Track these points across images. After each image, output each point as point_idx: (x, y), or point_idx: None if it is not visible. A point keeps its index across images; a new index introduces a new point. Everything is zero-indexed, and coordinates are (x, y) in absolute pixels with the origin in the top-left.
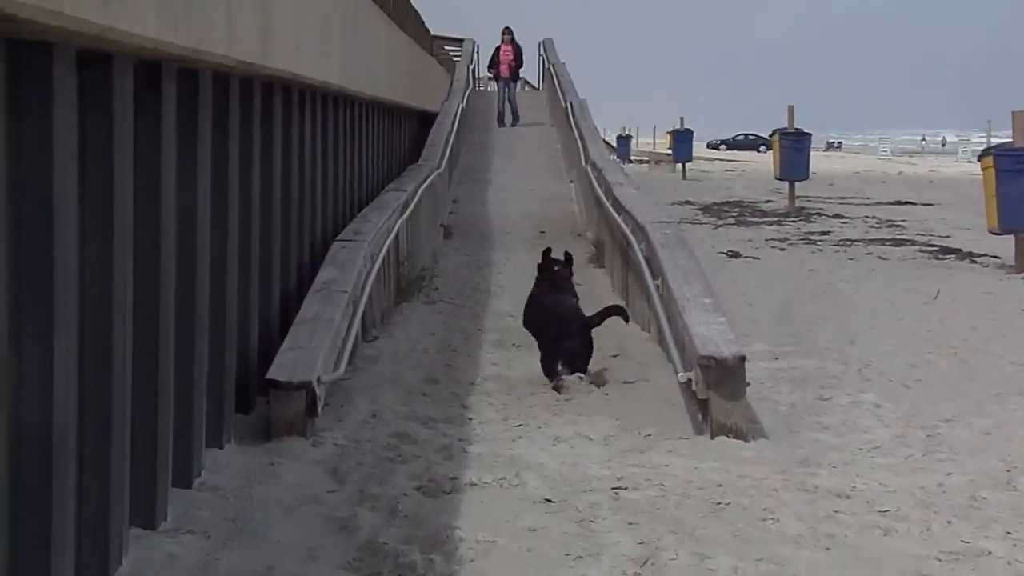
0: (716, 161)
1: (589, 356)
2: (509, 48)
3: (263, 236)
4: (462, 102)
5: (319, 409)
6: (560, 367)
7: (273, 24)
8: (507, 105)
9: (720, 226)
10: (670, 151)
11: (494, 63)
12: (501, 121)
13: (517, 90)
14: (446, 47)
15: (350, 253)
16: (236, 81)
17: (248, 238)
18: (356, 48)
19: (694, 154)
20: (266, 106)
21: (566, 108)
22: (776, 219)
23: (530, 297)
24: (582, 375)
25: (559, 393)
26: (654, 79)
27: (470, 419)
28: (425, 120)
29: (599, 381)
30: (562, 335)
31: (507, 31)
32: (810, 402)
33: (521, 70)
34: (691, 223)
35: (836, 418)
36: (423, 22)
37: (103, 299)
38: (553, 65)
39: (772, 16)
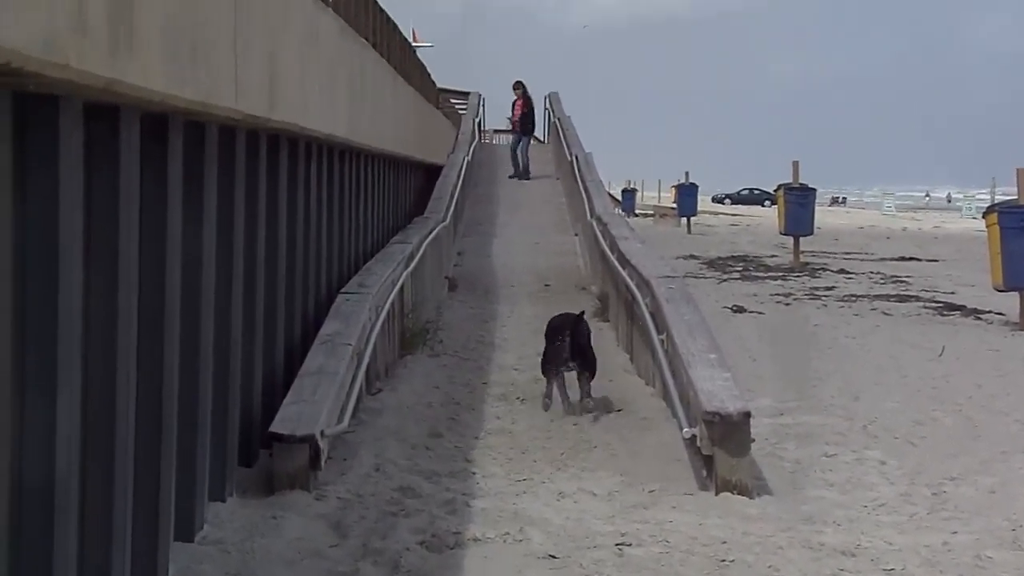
0: (721, 215)
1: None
2: (520, 102)
3: (268, 288)
4: (467, 155)
5: (322, 462)
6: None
7: (280, 77)
8: (517, 157)
9: (725, 280)
10: (675, 205)
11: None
12: (515, 172)
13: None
14: (452, 100)
15: (355, 306)
16: (243, 134)
17: (253, 290)
18: (363, 101)
19: (699, 208)
20: (272, 158)
21: (571, 162)
22: (781, 274)
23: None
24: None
25: (546, 411)
26: (659, 133)
27: (474, 473)
28: (431, 173)
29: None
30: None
31: (517, 85)
32: (815, 458)
33: (535, 123)
34: (696, 277)
35: (841, 475)
36: (429, 75)
37: (107, 351)
38: (559, 119)
39: (776, 71)
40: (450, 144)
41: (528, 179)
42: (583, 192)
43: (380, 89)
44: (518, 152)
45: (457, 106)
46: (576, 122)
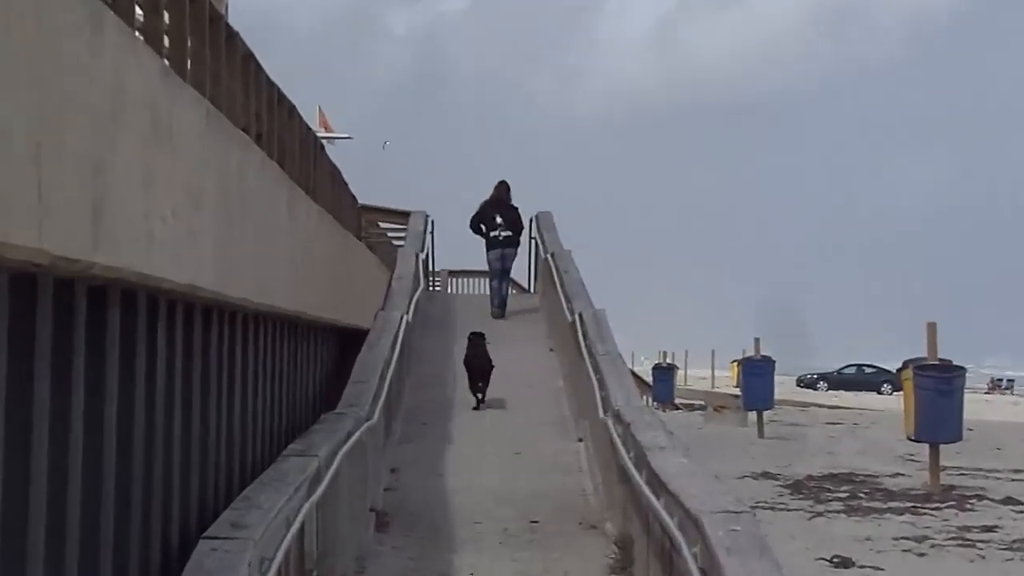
0: (813, 408)
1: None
2: (502, 207)
3: (84, 522)
4: (407, 313)
5: None
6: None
7: (110, 200)
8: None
9: (820, 515)
10: (738, 391)
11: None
12: (496, 313)
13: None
14: (383, 224)
15: (225, 560)
16: (49, 284)
17: (58, 526)
18: (242, 231)
19: (777, 396)
20: (95, 319)
21: (573, 323)
22: (910, 504)
23: None
24: None
25: None
26: (706, 273)
27: None
28: (350, 340)
29: None
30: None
31: (502, 184)
32: None
33: (520, 236)
34: (773, 509)
35: None
36: (346, 186)
37: None
38: (552, 254)
39: (894, 177)
40: (380, 294)
41: (503, 318)
42: (591, 373)
43: (269, 211)
44: (500, 284)
45: (391, 234)
46: (579, 258)
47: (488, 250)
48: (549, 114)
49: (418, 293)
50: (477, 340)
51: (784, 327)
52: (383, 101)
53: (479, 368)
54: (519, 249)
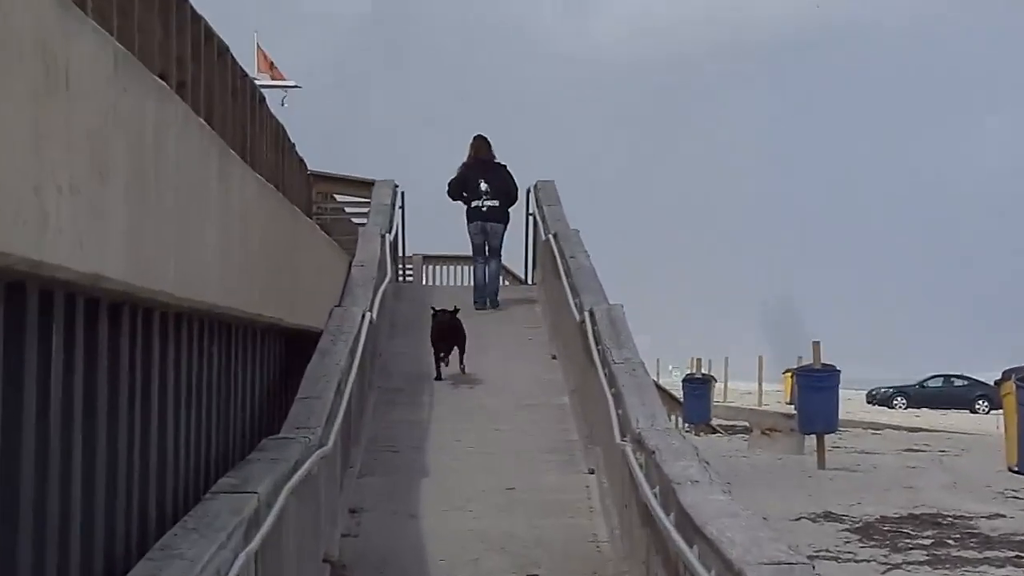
0: (887, 430)
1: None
2: (487, 170)
3: None
4: (370, 309)
5: None
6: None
7: None
8: (483, 271)
9: (897, 567)
10: (792, 408)
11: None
12: (481, 302)
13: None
14: (339, 197)
15: None
16: None
17: None
18: (160, 208)
19: (842, 415)
20: None
21: (582, 323)
22: (1012, 553)
23: None
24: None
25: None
26: (757, 253)
27: None
28: (298, 343)
29: None
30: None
31: (478, 141)
32: None
33: (512, 206)
34: (837, 560)
35: None
36: (294, 149)
37: None
38: (555, 236)
39: (984, 139)
40: (336, 286)
41: (496, 308)
42: (605, 385)
43: (195, 181)
44: (484, 267)
45: (351, 210)
46: (590, 240)
47: (469, 221)
48: (553, 56)
49: (385, 285)
50: (444, 313)
51: (849, 325)
52: (342, 37)
53: (448, 330)
54: (509, 223)
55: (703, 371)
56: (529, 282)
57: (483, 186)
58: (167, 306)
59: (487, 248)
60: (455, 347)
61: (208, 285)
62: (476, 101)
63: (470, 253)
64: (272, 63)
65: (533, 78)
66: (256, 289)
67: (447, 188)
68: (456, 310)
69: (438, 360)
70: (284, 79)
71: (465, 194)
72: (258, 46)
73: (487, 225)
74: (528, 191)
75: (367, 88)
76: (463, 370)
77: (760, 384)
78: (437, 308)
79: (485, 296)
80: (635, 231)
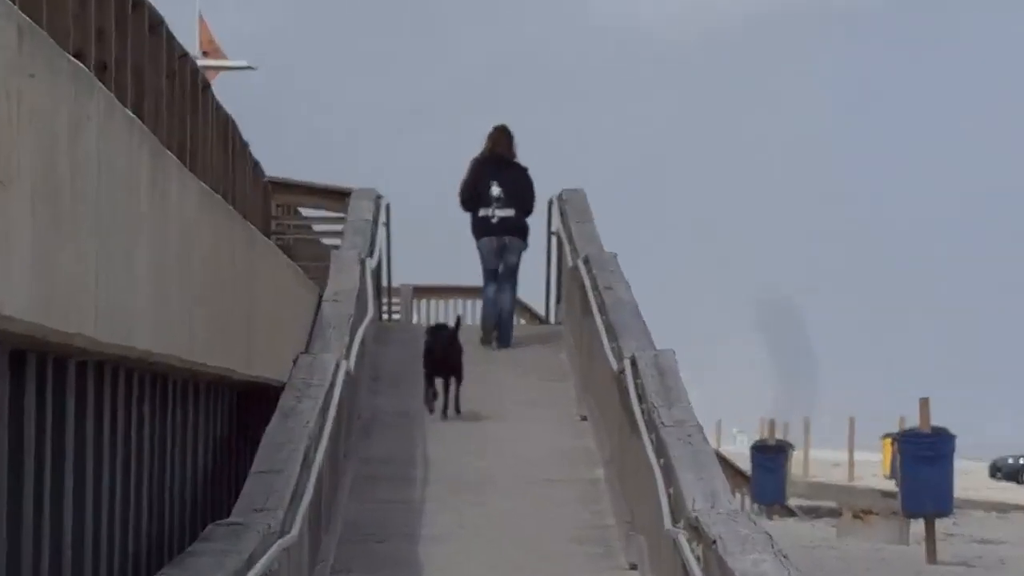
0: (1014, 513)
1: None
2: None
3: None
4: (347, 356)
5: None
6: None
7: None
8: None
9: None
10: (893, 484)
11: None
12: (493, 338)
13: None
14: (304, 210)
15: None
16: None
17: None
18: (76, 227)
19: (959, 493)
20: None
21: (621, 373)
22: None
23: None
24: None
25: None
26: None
27: None
28: (254, 400)
29: None
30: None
31: (499, 132)
32: None
33: (528, 217)
34: None
35: None
36: (247, 149)
37: None
38: (586, 261)
39: None
40: (303, 326)
41: (507, 347)
42: (652, 456)
43: (122, 191)
44: (497, 292)
45: (320, 228)
46: (628, 264)
47: (478, 237)
48: (578, 29)
49: (365, 324)
50: (441, 330)
51: (966, 375)
52: (309, 4)
53: (441, 354)
54: (528, 237)
55: (777, 436)
56: (551, 320)
57: (494, 190)
58: (86, 353)
59: (503, 270)
60: (452, 376)
61: (139, 326)
62: (485, 83)
63: (471, 284)
64: (212, 39)
65: (573, 52)
66: (200, 331)
67: (459, 193)
68: (458, 325)
69: (430, 390)
70: (225, 59)
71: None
72: (201, 22)
73: (505, 240)
74: (549, 203)
75: (346, 73)
76: (457, 409)
77: (851, 453)
78: (435, 324)
79: (498, 333)
80: (679, 250)
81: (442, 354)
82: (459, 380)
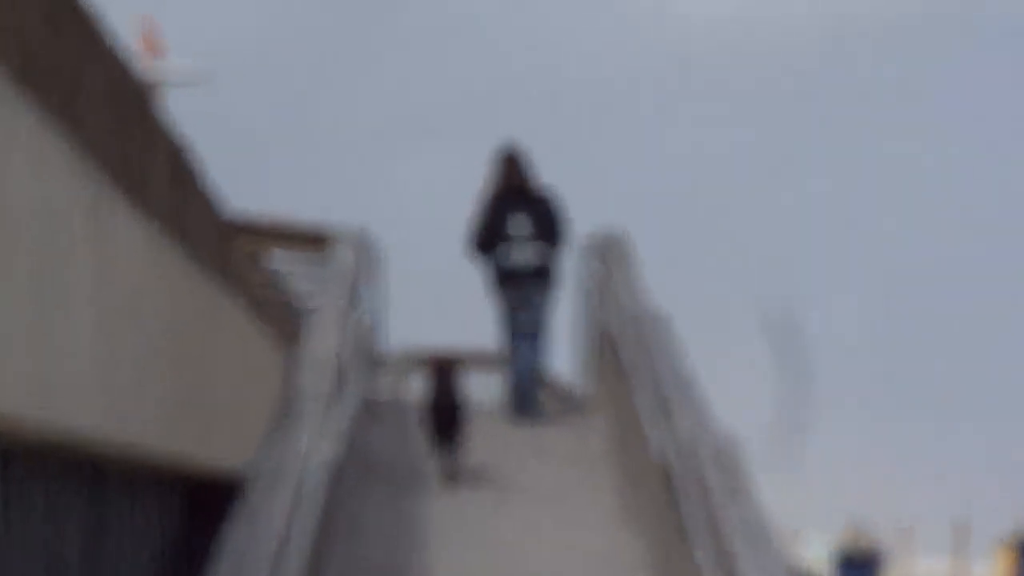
0: None
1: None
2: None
3: None
4: (327, 439)
5: None
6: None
7: None
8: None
9: None
10: None
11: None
12: (516, 407)
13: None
14: (275, 254)
15: None
16: None
17: None
18: None
19: None
20: None
21: (667, 467)
22: None
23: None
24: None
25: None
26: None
27: None
28: (208, 499)
29: None
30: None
31: (507, 163)
32: None
33: (558, 252)
34: None
35: None
36: (205, 180)
37: None
38: (634, 323)
39: None
40: (271, 401)
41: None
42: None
43: (51, 231)
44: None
45: (294, 277)
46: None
47: (498, 286)
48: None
49: (352, 400)
50: (445, 368)
51: None
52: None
53: (445, 408)
54: (557, 280)
55: (866, 542)
56: (578, 392)
57: (509, 227)
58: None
59: (527, 323)
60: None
61: (68, 401)
62: (489, 102)
63: (484, 349)
64: (155, 47)
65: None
66: (146, 408)
67: (472, 236)
68: (461, 362)
69: (439, 448)
70: (180, 67)
71: (492, 240)
72: (145, 23)
73: (530, 288)
74: (579, 247)
75: (329, 76)
76: (457, 468)
77: (963, 563)
78: (438, 358)
79: (526, 402)
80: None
81: (453, 404)
82: (461, 436)
